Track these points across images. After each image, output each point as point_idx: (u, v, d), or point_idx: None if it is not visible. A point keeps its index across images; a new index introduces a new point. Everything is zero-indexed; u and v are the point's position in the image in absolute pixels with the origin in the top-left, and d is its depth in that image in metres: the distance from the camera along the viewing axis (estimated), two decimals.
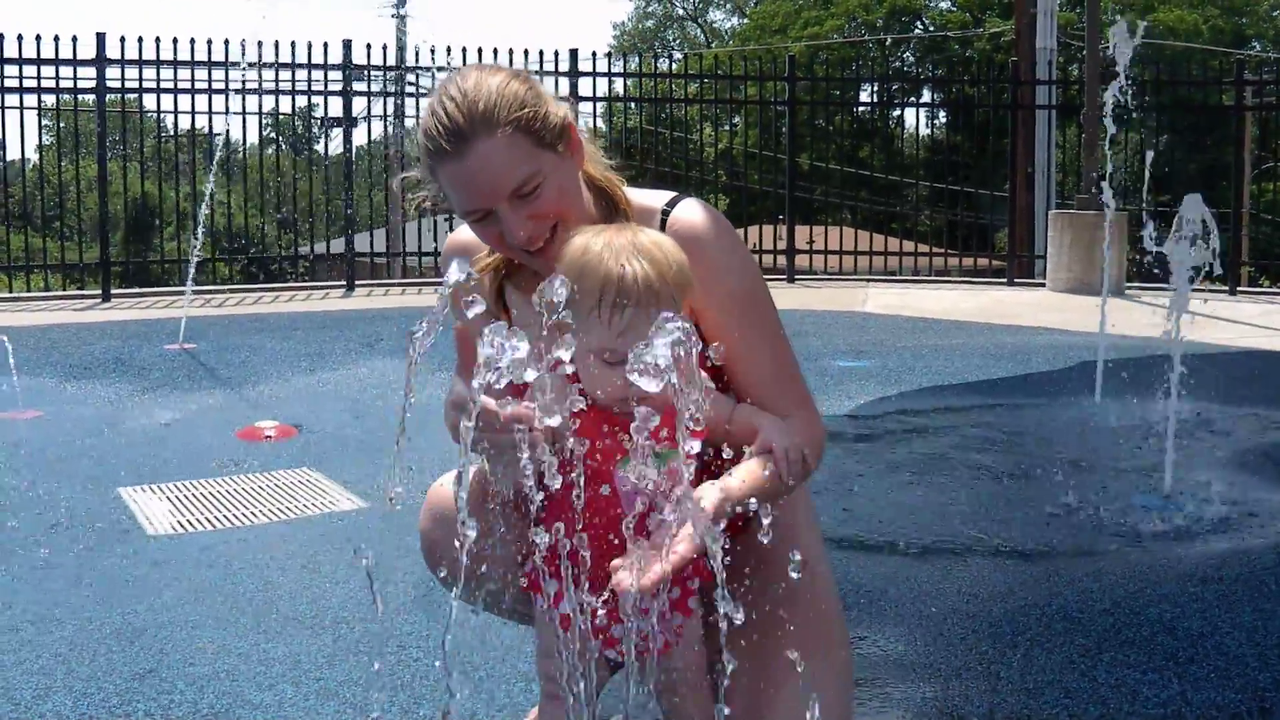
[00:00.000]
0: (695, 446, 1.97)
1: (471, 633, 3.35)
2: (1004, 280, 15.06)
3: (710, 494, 2.06)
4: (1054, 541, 4.47)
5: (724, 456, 2.12)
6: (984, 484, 5.41)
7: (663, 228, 2.34)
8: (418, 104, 14.63)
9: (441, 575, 2.40)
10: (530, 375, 1.92)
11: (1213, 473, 5.28)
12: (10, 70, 12.85)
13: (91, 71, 12.95)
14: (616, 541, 2.03)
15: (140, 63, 13.14)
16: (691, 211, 2.39)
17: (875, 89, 19.80)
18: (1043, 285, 13.88)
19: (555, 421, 1.96)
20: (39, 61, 12.77)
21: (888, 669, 3.23)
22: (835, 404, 7.00)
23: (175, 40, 13.20)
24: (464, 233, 2.47)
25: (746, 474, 2.15)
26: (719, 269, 2.32)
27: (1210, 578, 3.95)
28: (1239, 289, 14.22)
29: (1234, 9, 44.60)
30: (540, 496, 2.00)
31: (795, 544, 2.21)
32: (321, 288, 13.90)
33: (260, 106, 14.43)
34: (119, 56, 12.99)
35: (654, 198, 2.45)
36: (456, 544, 1.97)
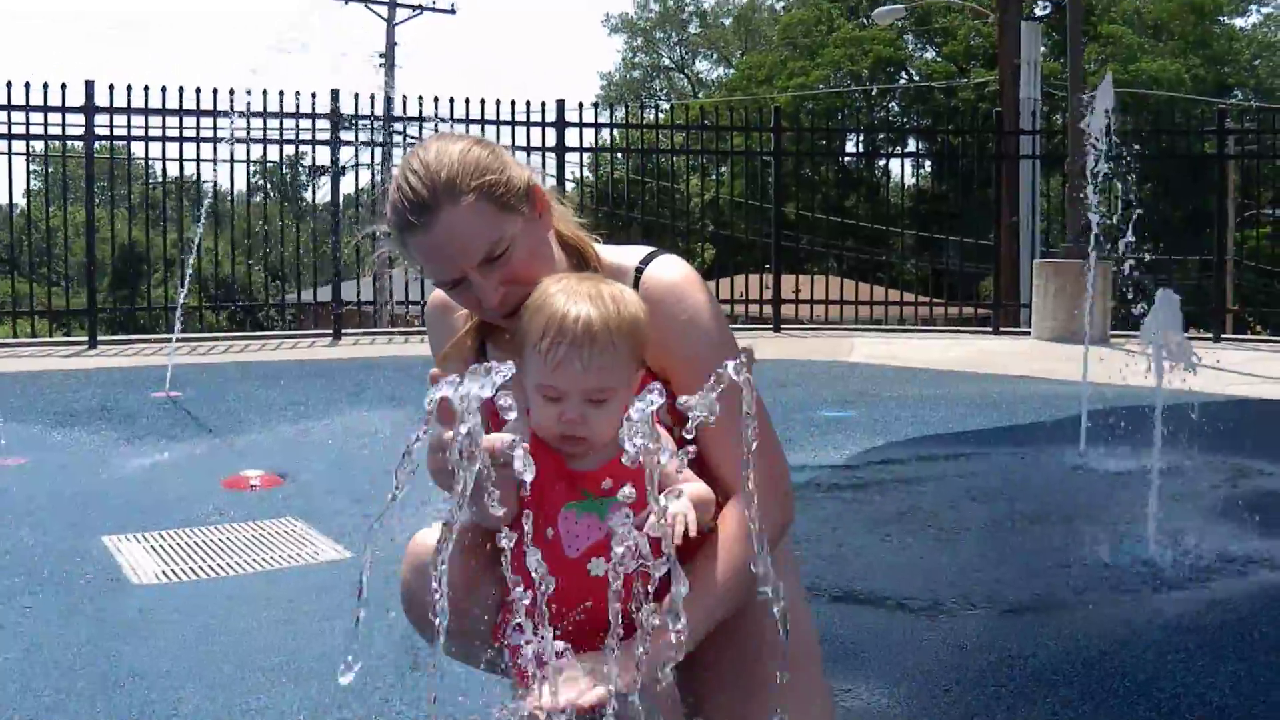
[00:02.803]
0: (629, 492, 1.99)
1: (453, 684, 3.35)
2: (989, 329, 15.13)
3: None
4: (1038, 593, 4.47)
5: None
6: (968, 536, 5.41)
7: (636, 286, 2.35)
8: (404, 153, 14.68)
9: (422, 629, 2.40)
10: (504, 401, 1.94)
11: (1196, 522, 5.28)
12: None
13: (80, 118, 13.01)
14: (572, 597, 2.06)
15: (129, 110, 13.21)
16: (664, 270, 2.41)
17: (861, 139, 20.00)
18: (1028, 334, 13.93)
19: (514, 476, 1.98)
20: (28, 108, 12.83)
21: None
22: (821, 454, 7.00)
23: (164, 88, 13.28)
24: None
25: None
26: (687, 329, 2.34)
27: (1194, 627, 3.95)
28: (1223, 336, 14.29)
29: (1216, 59, 45.06)
30: (507, 546, 2.01)
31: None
32: (308, 336, 13.90)
33: (248, 155, 14.48)
34: (107, 104, 13.05)
35: (629, 255, 2.47)
36: (436, 596, 1.98)
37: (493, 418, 2.03)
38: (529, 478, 1.96)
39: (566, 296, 2.20)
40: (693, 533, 2.07)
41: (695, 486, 2.20)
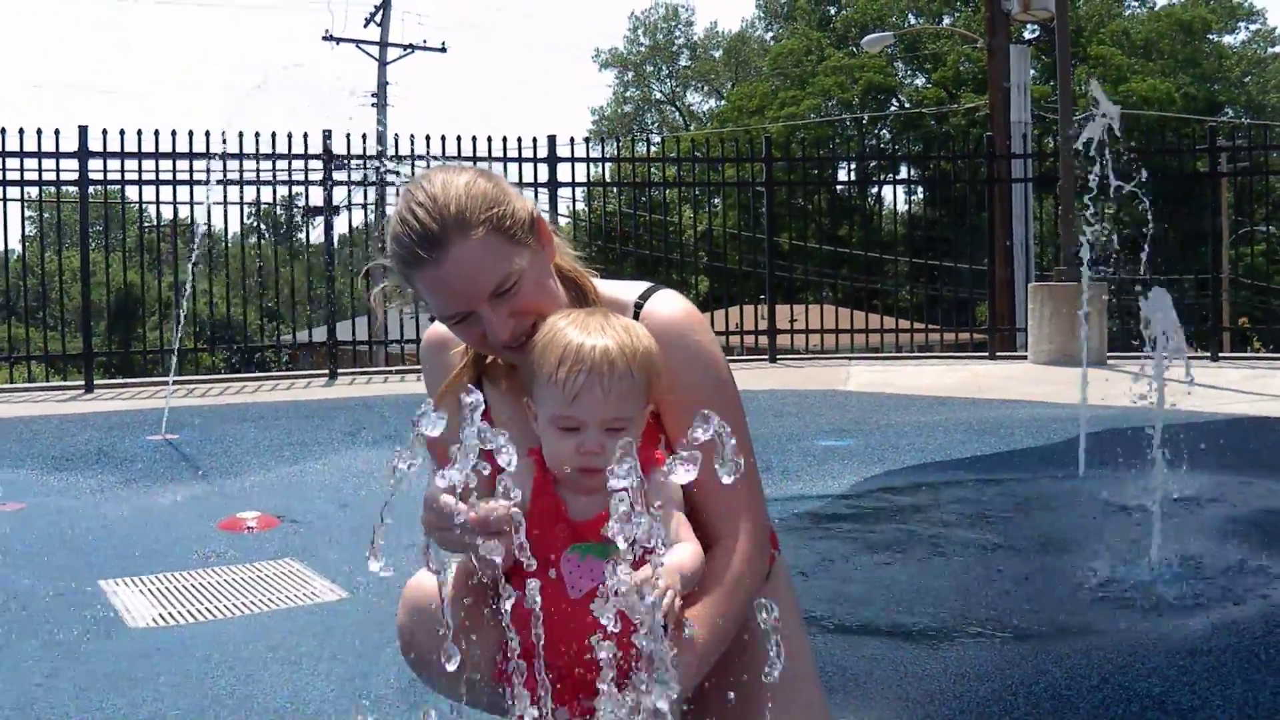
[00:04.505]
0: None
1: None
2: (985, 354, 15.12)
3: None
4: (1040, 618, 4.44)
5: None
6: (968, 562, 5.39)
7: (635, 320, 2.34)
8: (398, 192, 14.70)
9: (420, 670, 2.37)
10: (505, 461, 1.93)
11: (1199, 543, 5.26)
12: None
13: (74, 164, 13.03)
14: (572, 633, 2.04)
15: (122, 155, 13.25)
16: (664, 306, 2.38)
17: (852, 167, 19.99)
18: (1024, 358, 13.93)
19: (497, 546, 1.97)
20: (22, 154, 12.87)
21: None
22: (819, 483, 6.98)
23: (156, 132, 13.30)
24: (441, 326, 2.47)
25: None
26: (686, 365, 2.31)
27: (1199, 650, 3.92)
28: (1220, 354, 14.28)
29: (1206, 76, 45.25)
30: (506, 593, 2.00)
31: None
32: (304, 376, 13.90)
33: (241, 196, 14.51)
34: (101, 149, 13.09)
35: (627, 290, 2.45)
36: (435, 638, 1.97)
37: (488, 457, 2.01)
38: (508, 560, 1.97)
39: (579, 329, 2.19)
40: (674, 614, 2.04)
41: (686, 552, 2.17)
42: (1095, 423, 7.36)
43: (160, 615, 4.68)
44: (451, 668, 2.06)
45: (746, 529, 2.27)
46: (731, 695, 2.23)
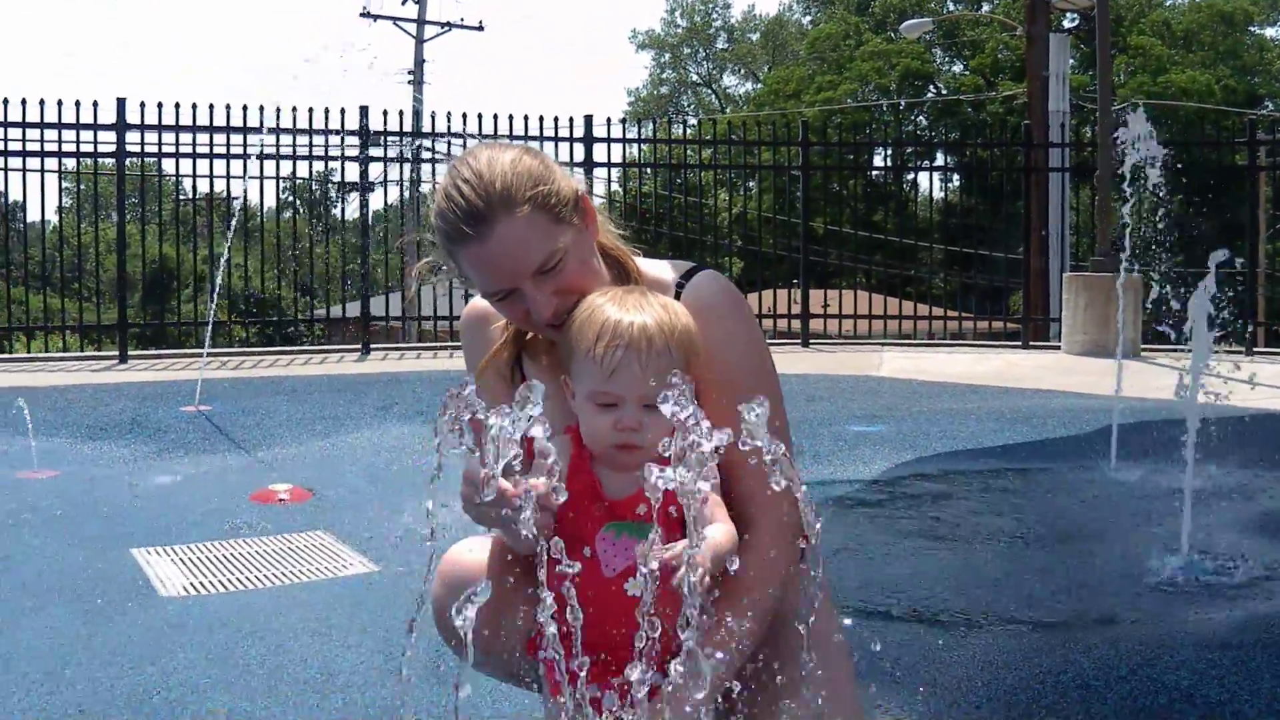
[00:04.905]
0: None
1: (483, 698, 3.34)
2: (1019, 343, 15.04)
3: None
4: (1070, 608, 4.44)
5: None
6: (999, 550, 5.38)
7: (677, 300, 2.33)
8: (434, 169, 14.73)
9: (454, 643, 2.38)
10: (538, 432, 1.94)
11: (1231, 537, 5.24)
12: (32, 134, 13.01)
13: (111, 136, 13.08)
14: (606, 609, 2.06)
15: (160, 127, 13.27)
16: (705, 285, 2.37)
17: (889, 153, 19.90)
18: (1058, 348, 13.85)
19: (542, 484, 1.97)
20: (60, 125, 12.91)
21: None
22: (850, 469, 6.98)
23: (194, 105, 13.33)
24: (482, 301, 2.47)
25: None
26: (725, 345, 2.29)
27: (1229, 644, 3.91)
28: (1255, 349, 14.18)
29: (1246, 69, 44.85)
30: (542, 565, 2.01)
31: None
32: (337, 351, 13.93)
33: (278, 171, 14.53)
34: (139, 121, 13.13)
35: (669, 269, 2.44)
36: (469, 613, 1.97)
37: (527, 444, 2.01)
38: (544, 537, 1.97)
39: (617, 305, 2.19)
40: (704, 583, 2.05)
41: (720, 532, 2.16)
42: (1128, 414, 7.32)
43: (192, 585, 4.72)
44: (480, 644, 2.07)
45: (777, 517, 2.26)
46: (778, 677, 2.23)
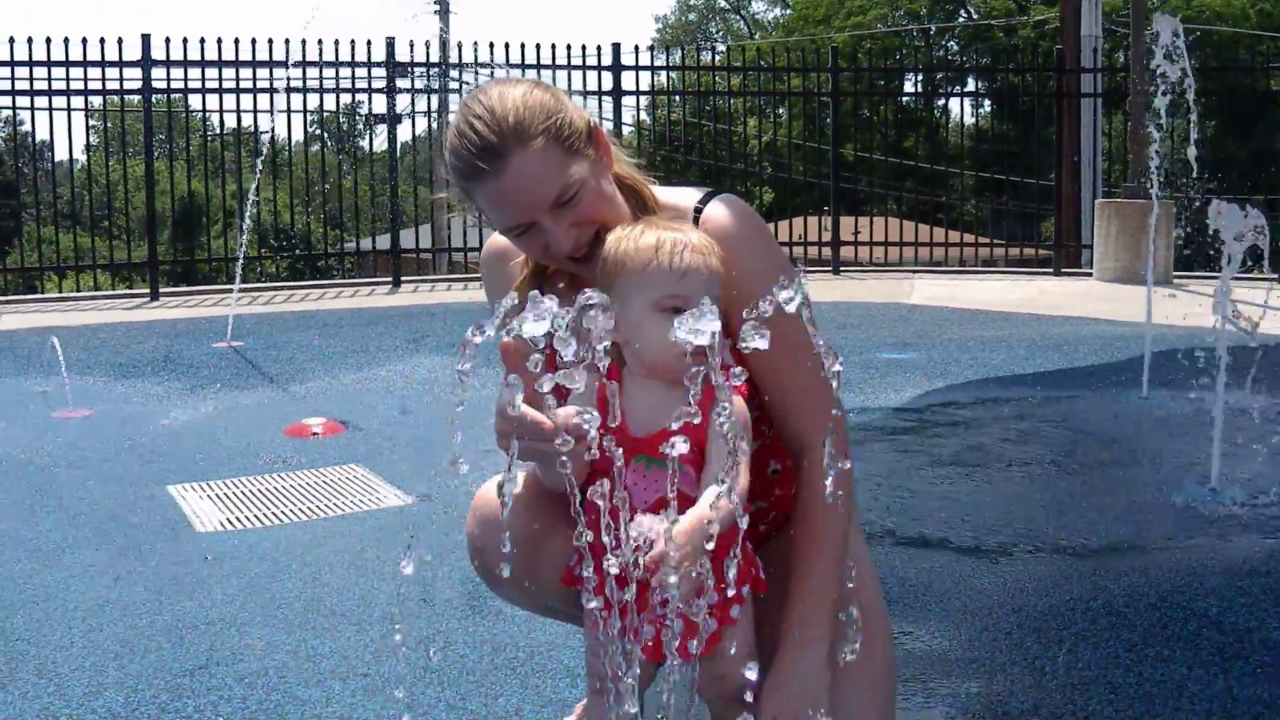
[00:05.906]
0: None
1: (518, 629, 3.39)
2: (1050, 270, 14.95)
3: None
4: (1100, 535, 4.44)
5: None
6: (1029, 478, 5.39)
7: (695, 225, 2.32)
8: (461, 99, 14.67)
9: (488, 578, 2.40)
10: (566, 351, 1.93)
11: (1260, 465, 5.22)
12: (58, 73, 12.97)
13: (137, 73, 13.05)
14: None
15: (185, 63, 13.24)
16: (723, 210, 2.36)
17: (919, 79, 19.70)
18: (1089, 275, 13.76)
19: (580, 384, 1.96)
20: (85, 64, 12.88)
21: (931, 665, 3.23)
22: (881, 397, 6.98)
23: (219, 40, 13.28)
24: (501, 237, 2.47)
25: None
26: (748, 271, 2.27)
27: (1258, 571, 3.91)
28: None
29: None
30: (579, 496, 2.01)
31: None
32: (367, 284, 13.96)
33: (305, 105, 14.49)
34: (164, 58, 13.09)
35: (685, 196, 2.43)
36: (503, 546, 1.99)
37: (551, 366, 2.00)
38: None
39: (655, 228, 2.21)
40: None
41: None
42: (1160, 342, 7.29)
43: (228, 519, 4.77)
44: (514, 578, 2.09)
45: (831, 439, 2.24)
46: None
